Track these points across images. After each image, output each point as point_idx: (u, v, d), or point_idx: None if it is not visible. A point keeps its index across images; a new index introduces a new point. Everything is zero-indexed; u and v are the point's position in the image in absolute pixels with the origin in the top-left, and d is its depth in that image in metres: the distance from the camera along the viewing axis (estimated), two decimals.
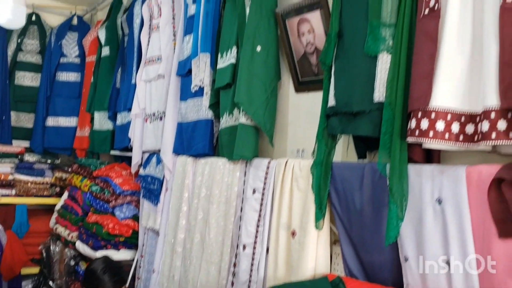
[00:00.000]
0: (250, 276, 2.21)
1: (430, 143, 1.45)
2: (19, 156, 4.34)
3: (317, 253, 1.95)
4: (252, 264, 2.22)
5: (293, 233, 2.03)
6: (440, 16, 1.44)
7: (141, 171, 3.32)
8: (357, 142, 1.92)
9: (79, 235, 3.59)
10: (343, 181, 1.86)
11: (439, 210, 1.51)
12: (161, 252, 2.95)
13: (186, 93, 2.85)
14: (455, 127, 1.42)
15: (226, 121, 2.49)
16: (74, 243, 3.62)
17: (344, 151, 2.01)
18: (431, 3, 1.47)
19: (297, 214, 2.03)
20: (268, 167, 2.26)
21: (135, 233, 3.31)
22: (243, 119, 2.30)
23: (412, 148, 1.59)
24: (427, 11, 1.49)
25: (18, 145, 4.41)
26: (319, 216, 1.92)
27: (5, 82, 4.37)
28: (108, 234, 3.22)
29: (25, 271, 4.13)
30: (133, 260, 3.29)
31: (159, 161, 3.13)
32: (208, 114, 2.68)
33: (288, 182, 2.10)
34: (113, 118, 3.79)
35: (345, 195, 1.85)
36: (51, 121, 4.51)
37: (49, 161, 4.49)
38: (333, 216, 1.95)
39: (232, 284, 2.33)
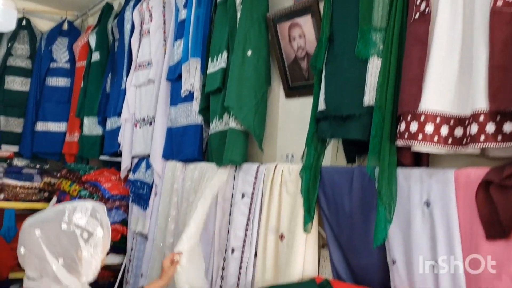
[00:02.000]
0: (238, 279, 2.19)
1: (419, 146, 1.45)
2: (8, 161, 4.28)
3: (305, 256, 1.94)
4: (240, 268, 2.21)
5: (282, 237, 2.03)
6: (431, 20, 1.45)
7: (131, 176, 3.30)
8: (347, 146, 1.92)
9: None
10: (332, 185, 1.86)
11: (427, 213, 1.51)
12: (149, 256, 2.93)
13: (176, 98, 2.84)
14: (444, 130, 1.43)
15: (216, 126, 2.48)
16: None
17: (333, 155, 2.01)
18: (422, 7, 1.49)
19: (286, 218, 2.03)
20: (257, 172, 2.25)
21: (124, 238, 3.28)
22: (233, 124, 2.30)
23: (401, 151, 1.59)
24: (417, 15, 1.50)
25: (7, 149, 4.36)
26: (307, 219, 1.92)
27: None
28: None
29: (13, 275, 4.05)
30: (121, 264, 3.26)
31: (148, 166, 3.12)
32: (198, 119, 2.67)
33: (277, 186, 2.10)
34: (102, 123, 3.77)
35: (334, 199, 1.85)
36: (40, 126, 4.47)
37: (38, 166, 4.43)
38: (321, 219, 1.95)
39: (221, 287, 2.31)
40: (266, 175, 2.16)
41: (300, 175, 1.96)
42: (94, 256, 1.47)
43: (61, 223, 1.43)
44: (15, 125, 4.54)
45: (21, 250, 1.43)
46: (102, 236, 1.50)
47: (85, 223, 1.46)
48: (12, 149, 4.44)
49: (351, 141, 1.87)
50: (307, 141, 1.94)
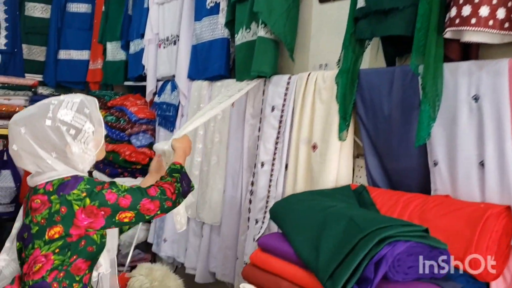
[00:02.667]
0: (269, 191, 2.16)
1: (471, 32, 1.33)
2: (33, 89, 4.26)
3: (339, 166, 1.88)
4: (270, 180, 2.17)
5: (314, 147, 1.96)
6: None
7: (156, 99, 3.24)
8: (387, 47, 1.80)
9: (95, 165, 3.57)
10: (370, 88, 1.76)
11: (475, 108, 1.41)
12: None
13: (201, 11, 2.72)
14: (501, 13, 1.30)
15: (242, 36, 2.37)
16: (91, 172, 3.60)
17: (372, 59, 1.89)
18: None
19: (319, 127, 1.95)
20: (288, 83, 2.16)
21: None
22: (262, 32, 2.19)
23: (448, 45, 1.47)
24: None
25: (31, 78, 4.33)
26: (343, 126, 1.84)
27: (15, 12, 4.25)
28: (125, 161, 3.19)
29: None
30: None
31: (174, 87, 3.05)
32: (225, 33, 2.57)
33: (310, 95, 2.01)
34: (125, 47, 3.67)
35: (372, 103, 1.75)
36: (63, 54, 4.40)
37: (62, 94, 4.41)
38: (357, 127, 1.87)
39: (250, 201, 2.29)
40: (298, 85, 2.07)
41: (335, 81, 1.86)
42: (87, 151, 1.40)
43: (45, 119, 1.35)
44: (37, 53, 4.49)
45: (14, 147, 1.38)
46: (93, 131, 1.40)
47: (71, 119, 1.36)
48: (36, 78, 4.40)
49: (391, 41, 1.75)
50: (344, 43, 1.83)
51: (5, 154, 3.95)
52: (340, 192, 1.72)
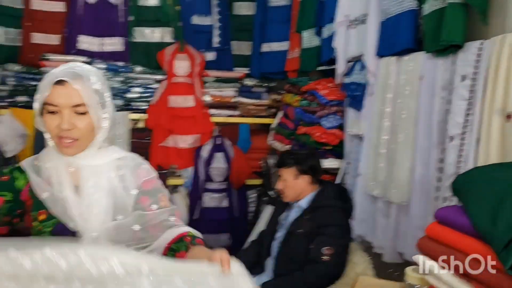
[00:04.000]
0: (458, 168, 2.01)
1: None
2: (240, 81, 4.73)
3: None
4: (460, 156, 2.01)
5: (509, 117, 1.75)
6: None
7: (345, 80, 3.28)
8: None
9: (291, 148, 3.82)
10: None
11: None
12: (365, 156, 2.92)
13: None
14: None
15: (431, 5, 2.24)
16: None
17: None
18: None
19: None
20: (480, 49, 1.97)
21: (341, 143, 3.34)
22: None
23: None
24: None
25: (240, 71, 4.81)
26: None
27: (226, 13, 4.78)
28: (315, 142, 3.33)
29: (249, 182, 4.60)
30: (339, 168, 3.35)
31: (362, 66, 3.05)
32: (413, 4, 2.46)
33: (504, 60, 1.80)
34: (319, 33, 3.80)
35: None
36: (265, 47, 4.76)
37: (265, 84, 4.79)
38: None
39: (439, 179, 2.16)
40: (491, 51, 1.87)
41: None
42: None
43: None
44: (244, 48, 4.94)
45: None
46: None
47: None
48: (243, 71, 4.85)
49: None
50: None
51: (220, 138, 4.49)
52: None
